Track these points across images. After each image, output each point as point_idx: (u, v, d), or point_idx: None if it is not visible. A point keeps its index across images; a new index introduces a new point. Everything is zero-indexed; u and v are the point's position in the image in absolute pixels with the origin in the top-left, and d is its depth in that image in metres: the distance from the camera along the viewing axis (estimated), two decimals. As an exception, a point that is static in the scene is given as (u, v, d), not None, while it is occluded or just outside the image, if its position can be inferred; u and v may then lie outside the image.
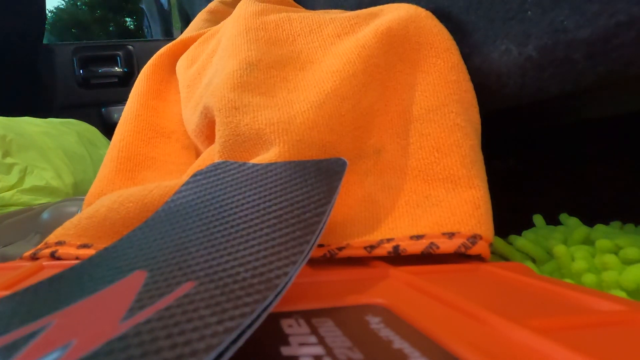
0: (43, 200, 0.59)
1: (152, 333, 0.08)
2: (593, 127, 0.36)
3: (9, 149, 0.60)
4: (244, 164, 0.18)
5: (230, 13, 0.34)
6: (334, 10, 0.31)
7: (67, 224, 0.21)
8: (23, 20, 1.14)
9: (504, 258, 0.24)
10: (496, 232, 0.18)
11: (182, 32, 0.54)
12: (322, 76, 0.22)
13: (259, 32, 0.27)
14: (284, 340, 0.09)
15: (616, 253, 0.20)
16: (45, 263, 0.18)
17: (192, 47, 0.36)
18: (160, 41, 1.35)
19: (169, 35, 1.75)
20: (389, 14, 0.24)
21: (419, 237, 0.17)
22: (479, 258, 0.17)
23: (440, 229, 0.17)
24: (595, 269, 0.20)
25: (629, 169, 0.34)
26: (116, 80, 1.26)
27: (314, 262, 0.17)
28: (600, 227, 0.23)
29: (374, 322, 0.10)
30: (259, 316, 0.09)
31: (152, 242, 0.13)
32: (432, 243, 0.17)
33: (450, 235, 0.17)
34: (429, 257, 0.17)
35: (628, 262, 0.20)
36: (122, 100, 0.87)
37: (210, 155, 0.23)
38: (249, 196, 0.15)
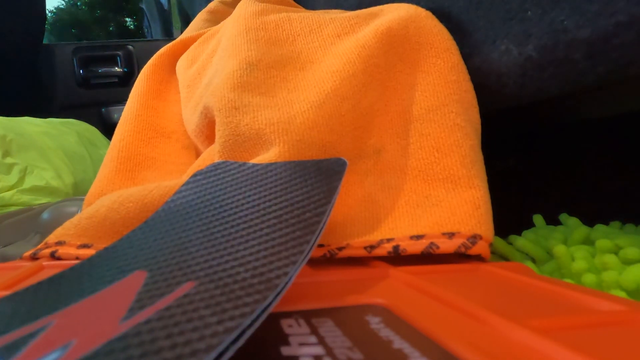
0: (43, 200, 0.59)
1: (152, 333, 0.08)
2: (593, 127, 0.36)
3: (9, 149, 0.60)
4: (244, 164, 0.18)
5: (230, 13, 0.34)
6: (334, 10, 0.31)
7: (67, 224, 0.21)
8: (23, 20, 1.14)
9: (504, 258, 0.24)
10: (496, 232, 0.18)
11: (182, 32, 0.54)
12: (322, 76, 0.22)
13: (259, 32, 0.27)
14: (284, 340, 0.09)
15: (616, 253, 0.20)
16: (45, 263, 0.18)
17: (192, 47, 0.36)
18: (160, 41, 1.35)
19: (169, 35, 1.75)
20: (389, 14, 0.24)
21: (419, 237, 0.17)
22: (479, 258, 0.17)
23: (440, 229, 0.17)
24: (595, 269, 0.20)
25: (628, 169, 0.34)
26: (116, 80, 1.26)
27: (314, 262, 0.17)
28: (600, 227, 0.23)
29: (374, 322, 0.10)
30: (259, 316, 0.09)
31: (152, 242, 0.13)
32: (432, 243, 0.17)
33: (450, 235, 0.17)
34: (429, 257, 0.17)
35: (628, 262, 0.20)
36: (122, 100, 0.87)
37: (210, 155, 0.23)
38: (249, 196, 0.15)
